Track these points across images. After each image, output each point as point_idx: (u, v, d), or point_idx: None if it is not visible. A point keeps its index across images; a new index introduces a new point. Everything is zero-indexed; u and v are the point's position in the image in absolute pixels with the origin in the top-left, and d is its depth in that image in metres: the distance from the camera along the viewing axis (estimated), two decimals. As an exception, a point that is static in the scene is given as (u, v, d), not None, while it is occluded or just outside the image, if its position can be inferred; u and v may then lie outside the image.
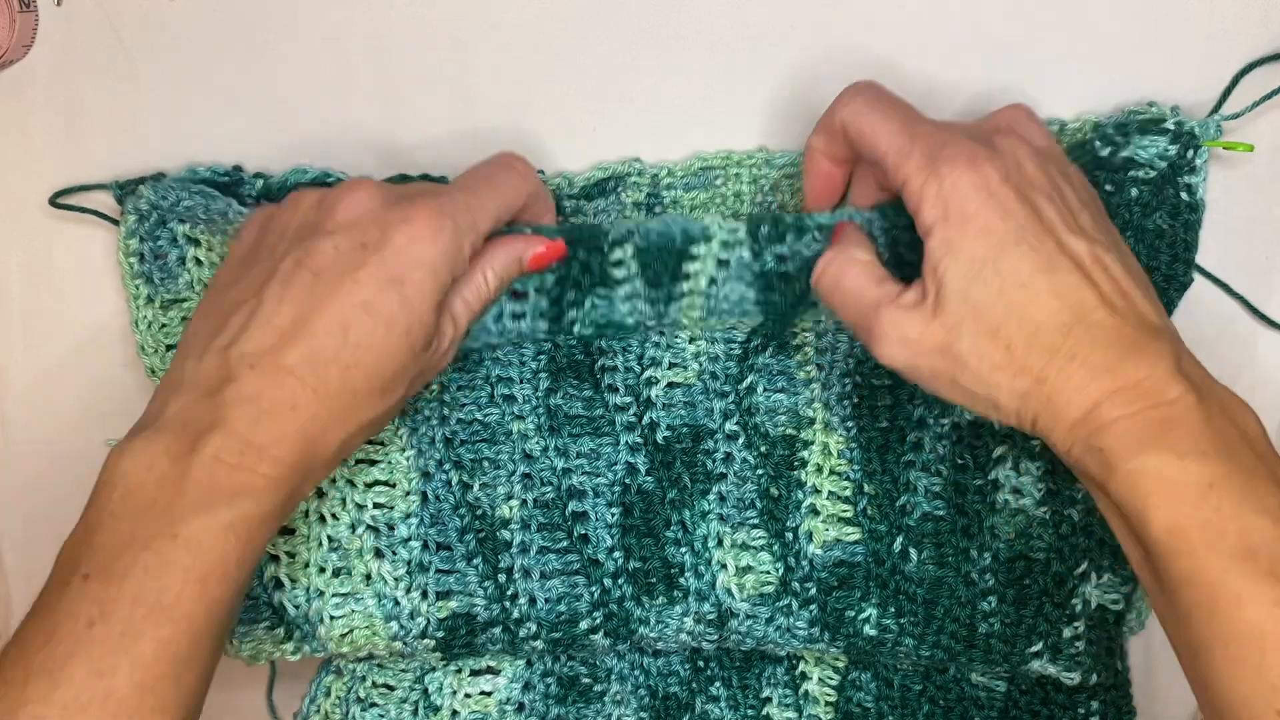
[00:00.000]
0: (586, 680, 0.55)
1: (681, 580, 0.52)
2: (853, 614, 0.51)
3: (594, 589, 0.52)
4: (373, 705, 0.55)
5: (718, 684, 0.55)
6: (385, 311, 0.42)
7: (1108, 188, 0.50)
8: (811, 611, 0.51)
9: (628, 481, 0.52)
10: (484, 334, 0.49)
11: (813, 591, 0.51)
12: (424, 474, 0.52)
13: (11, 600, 0.58)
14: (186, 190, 0.52)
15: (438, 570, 0.52)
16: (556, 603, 0.52)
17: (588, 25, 0.54)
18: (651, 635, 0.52)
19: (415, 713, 0.55)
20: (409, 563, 0.51)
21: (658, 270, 0.49)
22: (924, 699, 0.54)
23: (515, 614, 0.51)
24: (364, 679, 0.55)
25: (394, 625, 0.51)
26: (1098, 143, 0.50)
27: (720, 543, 0.52)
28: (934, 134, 0.44)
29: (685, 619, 0.52)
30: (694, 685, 0.55)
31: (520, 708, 0.55)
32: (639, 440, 0.52)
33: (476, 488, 0.52)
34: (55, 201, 0.54)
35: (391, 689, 0.56)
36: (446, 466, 0.52)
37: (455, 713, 0.55)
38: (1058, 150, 0.46)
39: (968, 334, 0.42)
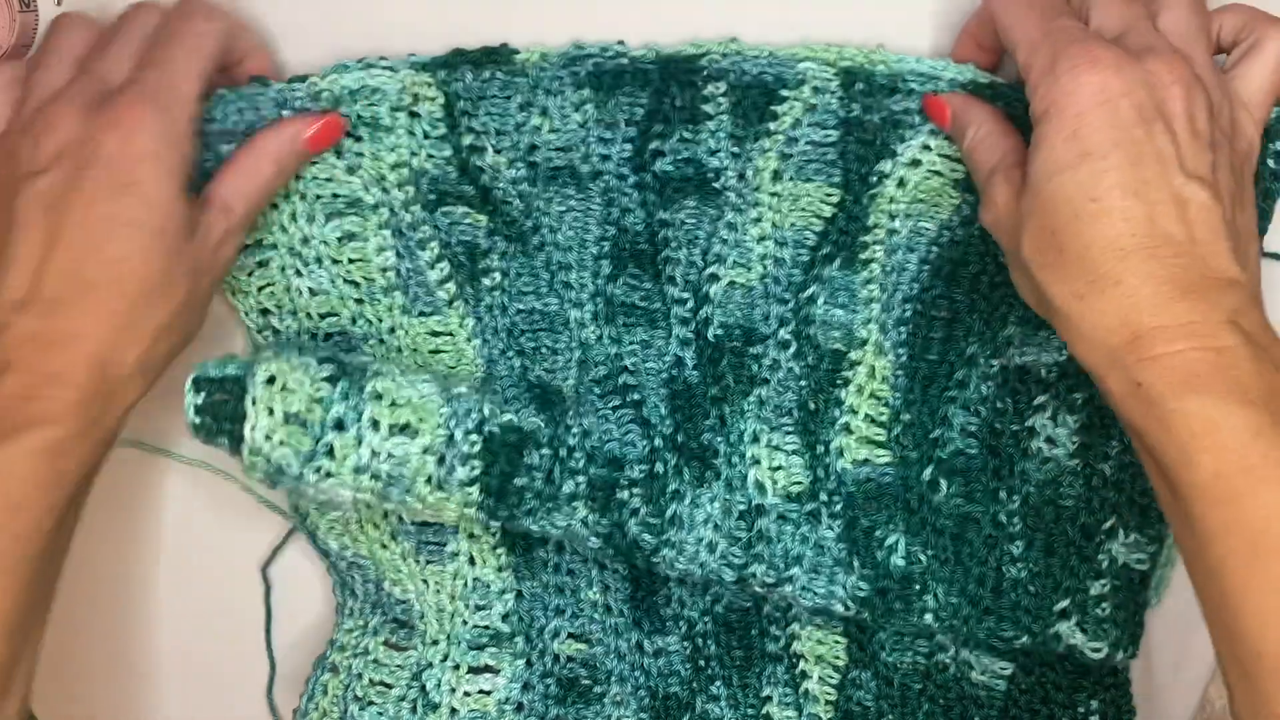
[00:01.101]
0: (586, 681, 0.55)
1: (715, 463, 0.52)
2: (881, 535, 0.51)
3: (644, 444, 0.52)
4: (370, 704, 0.55)
5: (718, 683, 0.55)
6: (129, 216, 0.44)
7: None
8: (839, 526, 0.51)
9: (674, 373, 0.53)
10: (568, 164, 0.52)
11: (840, 506, 0.51)
12: (489, 360, 0.53)
13: (12, 600, 0.58)
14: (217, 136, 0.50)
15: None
16: (608, 441, 0.52)
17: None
18: (679, 534, 0.51)
19: (414, 711, 0.55)
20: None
21: (747, 109, 0.51)
22: (924, 698, 0.54)
23: (568, 441, 0.51)
24: (360, 676, 0.55)
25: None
26: None
27: (756, 439, 0.52)
28: (1068, 31, 0.43)
29: (714, 505, 0.52)
30: (694, 685, 0.55)
31: (519, 708, 0.55)
32: (691, 335, 0.52)
33: (537, 370, 0.53)
34: None
35: (389, 687, 0.56)
36: (510, 354, 0.53)
37: (454, 711, 0.55)
38: (1220, 83, 0.44)
39: (1033, 225, 0.42)
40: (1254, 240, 0.44)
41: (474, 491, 0.49)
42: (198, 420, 0.48)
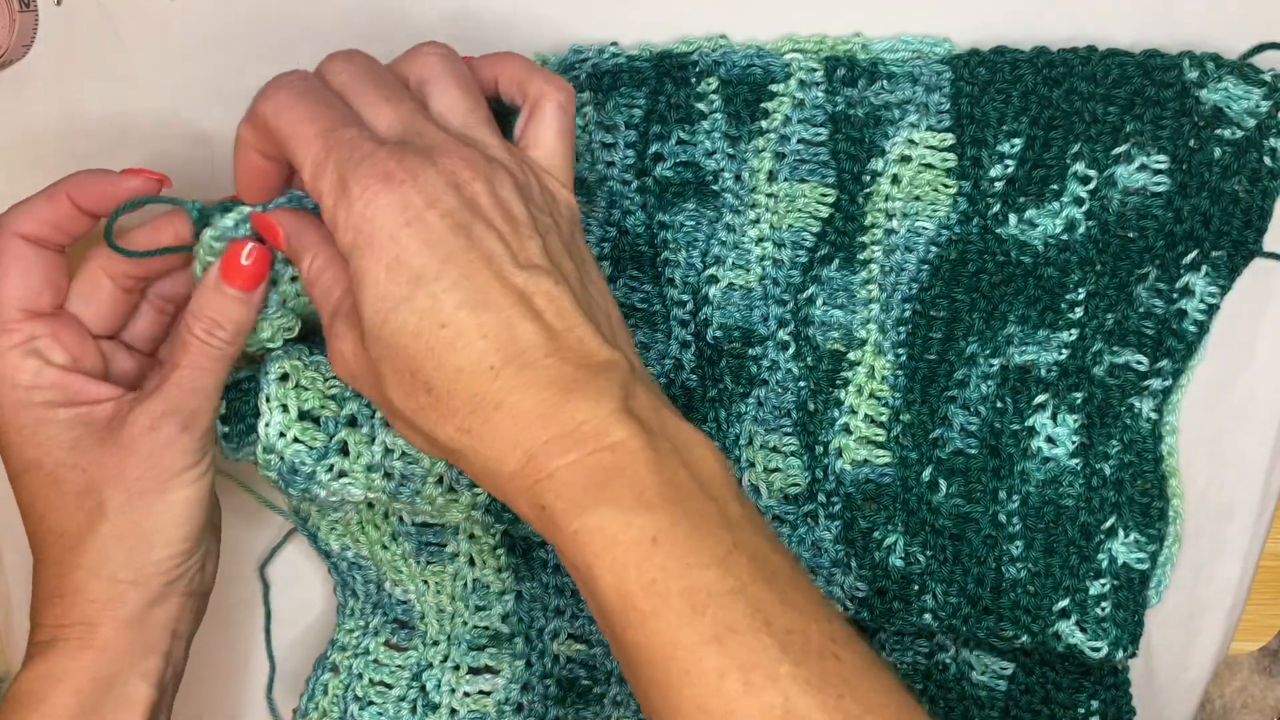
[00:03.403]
0: (586, 682, 0.55)
1: None
2: (879, 536, 0.51)
3: None
4: (370, 704, 0.55)
5: (717, 684, 0.55)
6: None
7: (1191, 143, 0.50)
8: (837, 528, 0.51)
9: (673, 377, 0.53)
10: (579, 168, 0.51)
11: (838, 507, 0.52)
12: None
13: (11, 600, 0.58)
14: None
15: None
16: None
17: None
18: None
19: (414, 711, 0.55)
20: None
21: (739, 106, 0.51)
22: (924, 698, 0.54)
23: None
24: (360, 676, 0.55)
25: None
26: (1187, 63, 0.50)
27: (750, 442, 0.52)
28: (354, 144, 0.38)
29: None
30: (694, 685, 0.55)
31: (519, 708, 0.55)
32: (690, 337, 0.52)
33: None
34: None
35: (390, 687, 0.56)
36: None
37: (454, 711, 0.55)
38: (517, 160, 0.41)
39: (390, 370, 0.38)
40: (615, 308, 0.42)
41: (482, 493, 0.49)
42: (226, 429, 0.48)
